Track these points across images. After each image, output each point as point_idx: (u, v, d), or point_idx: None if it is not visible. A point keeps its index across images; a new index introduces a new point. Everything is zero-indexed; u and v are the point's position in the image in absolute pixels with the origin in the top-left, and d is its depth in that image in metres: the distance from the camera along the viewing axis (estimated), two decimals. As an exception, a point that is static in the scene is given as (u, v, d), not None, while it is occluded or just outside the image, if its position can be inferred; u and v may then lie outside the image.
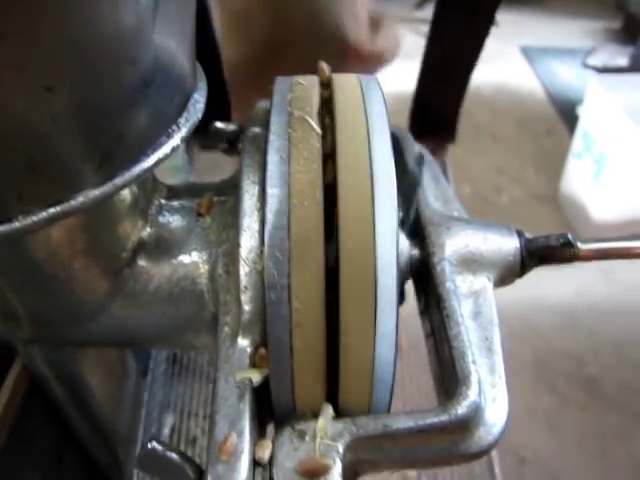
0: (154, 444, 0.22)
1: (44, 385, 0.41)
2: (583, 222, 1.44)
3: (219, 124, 0.38)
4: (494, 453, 0.69)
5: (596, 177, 1.39)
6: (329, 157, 0.24)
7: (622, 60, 2.04)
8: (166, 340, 0.30)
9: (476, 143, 1.79)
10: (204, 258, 0.27)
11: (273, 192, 0.22)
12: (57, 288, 0.26)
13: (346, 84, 0.27)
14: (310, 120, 0.24)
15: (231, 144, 0.39)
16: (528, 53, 2.15)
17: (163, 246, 0.28)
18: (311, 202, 0.22)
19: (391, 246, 0.22)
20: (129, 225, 0.27)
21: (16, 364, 0.40)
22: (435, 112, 0.61)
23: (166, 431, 0.48)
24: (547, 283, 1.42)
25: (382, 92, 0.27)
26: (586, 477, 1.07)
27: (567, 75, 2.03)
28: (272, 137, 0.23)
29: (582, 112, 1.45)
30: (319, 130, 0.24)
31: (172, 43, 0.22)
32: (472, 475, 0.65)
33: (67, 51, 0.16)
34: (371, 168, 0.22)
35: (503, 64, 2.07)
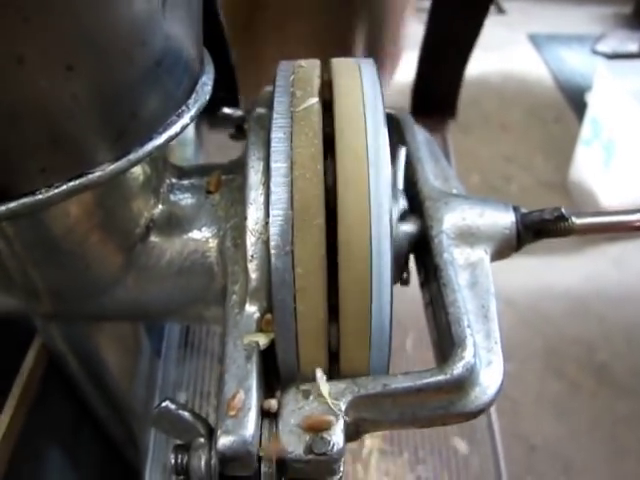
0: (167, 403, 0.24)
1: (62, 363, 0.42)
2: (592, 209, 1.44)
3: (227, 110, 0.39)
4: (500, 450, 0.69)
5: (605, 164, 1.39)
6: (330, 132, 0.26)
7: (632, 46, 2.01)
8: (177, 312, 0.32)
9: (485, 132, 1.79)
10: (213, 233, 0.29)
11: (277, 166, 0.23)
12: (74, 263, 0.28)
13: (344, 66, 0.28)
14: (311, 99, 0.25)
15: (238, 129, 0.40)
16: (536, 40, 2.14)
17: (174, 222, 0.29)
18: (312, 174, 0.23)
19: (385, 212, 0.23)
20: (142, 202, 0.28)
21: (35, 343, 0.42)
22: (436, 89, 0.62)
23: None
24: (557, 270, 1.42)
25: (378, 74, 0.28)
26: (596, 464, 1.08)
27: (576, 62, 2.01)
28: (276, 115, 0.25)
29: (591, 99, 1.44)
30: (319, 108, 0.25)
31: (180, 27, 0.23)
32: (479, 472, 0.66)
33: (85, 33, 0.18)
34: (366, 140, 0.23)
35: (511, 52, 2.06)
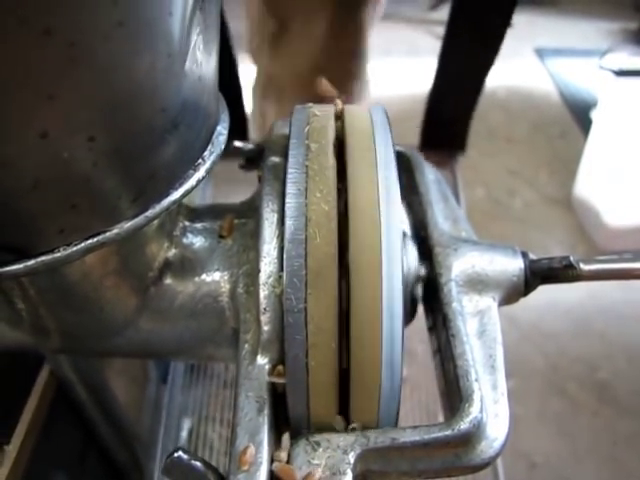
0: (180, 453, 0.24)
1: (70, 390, 0.43)
2: (596, 226, 1.44)
3: (238, 143, 0.40)
4: (500, 466, 0.70)
5: (610, 182, 1.39)
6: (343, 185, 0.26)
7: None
8: (188, 352, 0.32)
9: (490, 145, 1.79)
10: (225, 278, 0.29)
11: (291, 223, 0.24)
12: (87, 306, 0.28)
13: (357, 116, 0.28)
14: (325, 154, 0.25)
15: (249, 161, 0.41)
16: (542, 54, 2.15)
17: (187, 266, 0.30)
18: (326, 232, 0.24)
19: (397, 271, 0.24)
20: (156, 247, 0.29)
21: (44, 370, 0.42)
22: (446, 123, 0.63)
23: (184, 434, 0.50)
24: (559, 287, 1.41)
25: (389, 123, 0.29)
26: (597, 483, 1.08)
27: (582, 77, 2.02)
28: (290, 170, 0.25)
29: (597, 115, 1.45)
30: (334, 163, 0.26)
31: (199, 84, 0.23)
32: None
33: (108, 106, 0.18)
34: (378, 201, 0.24)
35: (517, 65, 2.06)
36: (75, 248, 0.21)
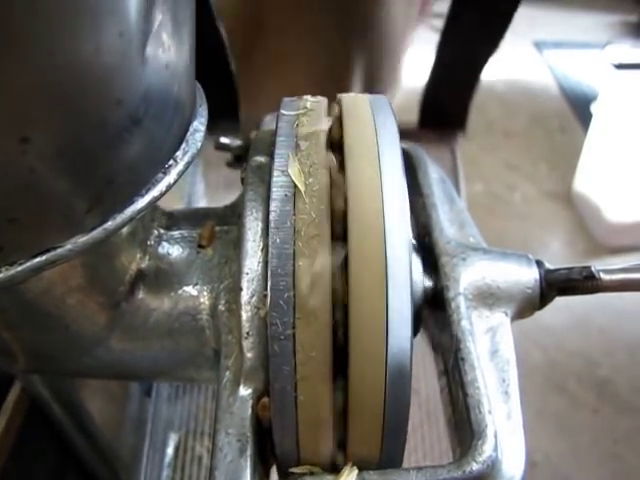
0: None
1: (44, 407, 0.40)
2: (596, 221, 1.42)
3: (224, 139, 0.37)
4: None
5: (610, 176, 1.37)
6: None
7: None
8: (166, 374, 0.29)
9: (488, 139, 1.76)
10: (205, 294, 0.26)
11: (277, 234, 0.20)
12: (51, 324, 0.25)
13: (356, 108, 0.25)
14: (317, 154, 0.22)
15: (237, 159, 0.37)
16: (542, 48, 2.11)
17: (162, 279, 0.26)
18: (317, 245, 0.20)
19: (404, 291, 0.20)
20: (127, 258, 0.25)
21: (16, 385, 0.39)
22: (446, 103, 0.60)
23: (170, 450, 0.47)
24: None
25: (394, 115, 0.25)
26: (598, 482, 1.06)
27: (581, 70, 1.99)
28: (276, 172, 0.22)
29: (597, 109, 1.42)
30: (327, 166, 0.22)
31: (166, 73, 0.20)
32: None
33: (44, 99, 0.15)
34: (383, 209, 0.20)
35: (516, 59, 2.03)
36: (19, 268, 0.18)
